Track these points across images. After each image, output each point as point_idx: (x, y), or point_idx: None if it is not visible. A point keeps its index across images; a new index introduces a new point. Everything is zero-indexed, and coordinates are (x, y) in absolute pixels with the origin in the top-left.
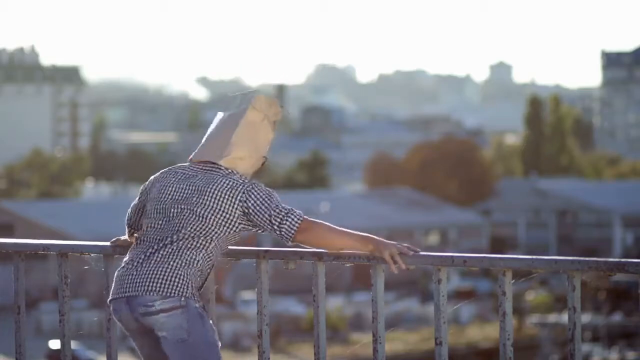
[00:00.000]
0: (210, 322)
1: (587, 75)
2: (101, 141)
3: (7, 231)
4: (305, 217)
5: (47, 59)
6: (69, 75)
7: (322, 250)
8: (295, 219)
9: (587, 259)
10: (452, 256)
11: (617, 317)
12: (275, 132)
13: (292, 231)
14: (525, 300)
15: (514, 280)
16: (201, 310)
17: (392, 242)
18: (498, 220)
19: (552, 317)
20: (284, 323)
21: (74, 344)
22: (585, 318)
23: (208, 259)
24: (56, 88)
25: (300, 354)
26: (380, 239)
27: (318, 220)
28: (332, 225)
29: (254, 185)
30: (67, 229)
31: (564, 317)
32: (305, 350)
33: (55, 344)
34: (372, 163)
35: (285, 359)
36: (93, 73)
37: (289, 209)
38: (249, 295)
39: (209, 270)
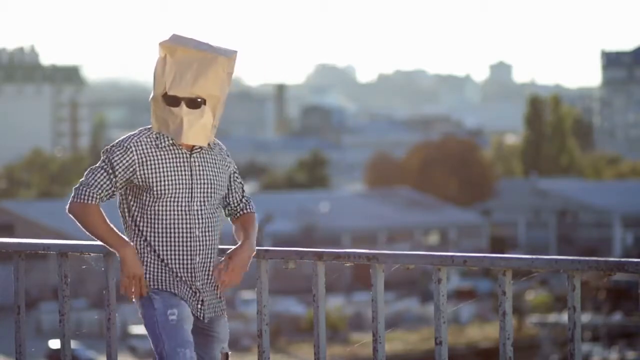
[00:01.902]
0: (172, 299)
1: (587, 75)
2: (101, 141)
3: (7, 231)
4: (75, 200)
5: (47, 59)
6: (69, 75)
7: (322, 250)
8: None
9: (587, 258)
10: (452, 256)
11: (617, 317)
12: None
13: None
14: (525, 300)
15: (513, 280)
16: (153, 292)
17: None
18: (498, 220)
19: (552, 317)
20: (284, 323)
21: (74, 344)
22: (585, 318)
23: (142, 237)
24: (56, 88)
25: (300, 354)
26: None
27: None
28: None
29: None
30: (67, 229)
31: (564, 317)
32: (305, 350)
33: (55, 344)
34: (372, 163)
35: (285, 359)
36: (93, 73)
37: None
38: (248, 295)
39: (163, 244)
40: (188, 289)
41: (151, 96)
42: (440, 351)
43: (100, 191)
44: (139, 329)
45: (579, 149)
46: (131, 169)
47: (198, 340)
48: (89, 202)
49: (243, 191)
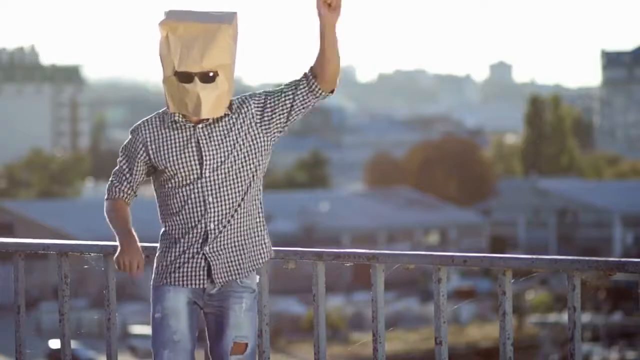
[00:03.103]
0: (160, 291)
1: (587, 75)
2: (101, 141)
3: (7, 231)
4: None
5: (47, 59)
6: (69, 75)
7: (322, 250)
8: None
9: (587, 258)
10: (452, 256)
11: (617, 317)
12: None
13: None
14: (525, 300)
15: (513, 280)
16: (155, 285)
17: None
18: (498, 220)
19: (552, 317)
20: (284, 323)
21: (74, 344)
22: (585, 318)
23: (161, 220)
24: (56, 88)
25: (300, 354)
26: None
27: None
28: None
29: None
30: (67, 229)
31: (564, 317)
32: (305, 350)
33: (55, 344)
34: (372, 163)
35: (285, 359)
36: (93, 73)
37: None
38: None
39: (177, 219)
40: (193, 260)
41: (162, 79)
42: (440, 351)
43: (120, 185)
44: (139, 329)
45: (579, 148)
46: (144, 149)
47: (210, 329)
48: (110, 198)
49: (296, 82)
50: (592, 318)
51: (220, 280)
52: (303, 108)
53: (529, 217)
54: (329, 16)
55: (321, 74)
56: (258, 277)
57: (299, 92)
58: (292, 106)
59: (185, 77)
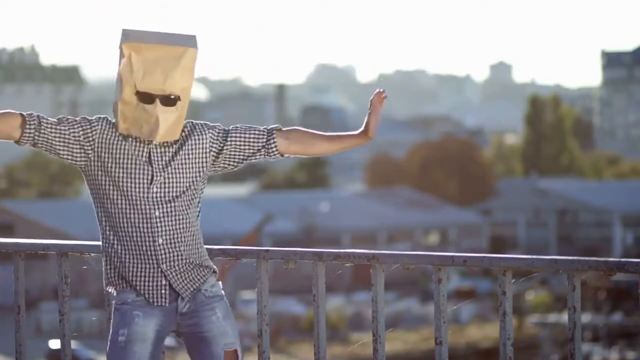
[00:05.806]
0: (126, 315)
1: (587, 75)
2: None
3: (7, 231)
4: None
5: (47, 59)
6: (69, 75)
7: (322, 250)
8: None
9: (587, 258)
10: (452, 256)
11: (617, 317)
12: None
13: None
14: (525, 300)
15: (514, 280)
16: (118, 304)
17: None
18: (498, 220)
19: (552, 317)
20: (284, 323)
21: (74, 344)
22: (585, 318)
23: (104, 229)
24: (56, 88)
25: (300, 354)
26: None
27: None
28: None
29: None
30: (67, 229)
31: (564, 317)
32: (305, 350)
33: (55, 344)
34: (372, 163)
35: (285, 359)
36: (93, 73)
37: None
38: (248, 295)
39: (124, 230)
40: (150, 279)
41: (117, 98)
42: (440, 351)
43: (45, 118)
44: None
45: (579, 149)
46: (91, 137)
47: (193, 346)
48: (20, 112)
49: (259, 132)
50: (592, 318)
51: (187, 293)
52: (254, 160)
53: (529, 217)
54: (369, 133)
55: (297, 149)
56: (220, 282)
57: (260, 149)
58: (247, 157)
59: (146, 98)
